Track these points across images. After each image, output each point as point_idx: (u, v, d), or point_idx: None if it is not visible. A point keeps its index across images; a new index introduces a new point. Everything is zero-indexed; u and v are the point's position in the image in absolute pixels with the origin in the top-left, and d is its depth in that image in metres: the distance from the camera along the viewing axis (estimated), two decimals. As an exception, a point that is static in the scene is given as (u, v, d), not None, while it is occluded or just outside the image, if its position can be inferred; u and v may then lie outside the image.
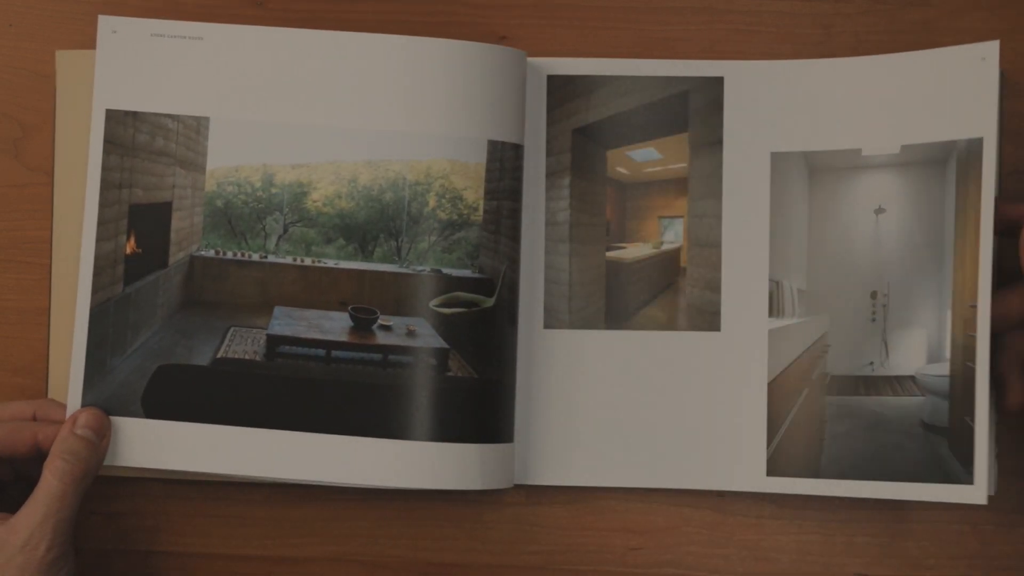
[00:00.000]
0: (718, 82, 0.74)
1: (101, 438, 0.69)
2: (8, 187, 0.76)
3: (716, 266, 0.74)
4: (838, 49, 0.74)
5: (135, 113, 0.72)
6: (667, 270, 0.75)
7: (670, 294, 0.75)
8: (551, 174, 0.75)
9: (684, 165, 0.75)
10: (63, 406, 0.70)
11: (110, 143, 0.72)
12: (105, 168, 0.71)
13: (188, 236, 0.73)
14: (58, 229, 0.74)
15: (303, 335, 0.72)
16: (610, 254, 0.75)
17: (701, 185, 0.75)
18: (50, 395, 0.74)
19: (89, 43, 0.72)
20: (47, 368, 0.74)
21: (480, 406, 0.71)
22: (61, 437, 0.68)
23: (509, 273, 0.73)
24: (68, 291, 0.73)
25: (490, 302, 0.72)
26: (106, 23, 0.72)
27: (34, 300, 0.75)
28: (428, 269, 0.72)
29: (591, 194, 0.76)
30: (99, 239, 0.71)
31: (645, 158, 0.76)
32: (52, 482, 0.66)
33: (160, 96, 0.72)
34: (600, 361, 0.74)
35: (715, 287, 0.74)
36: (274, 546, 0.75)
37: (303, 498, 0.74)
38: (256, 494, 0.75)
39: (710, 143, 0.75)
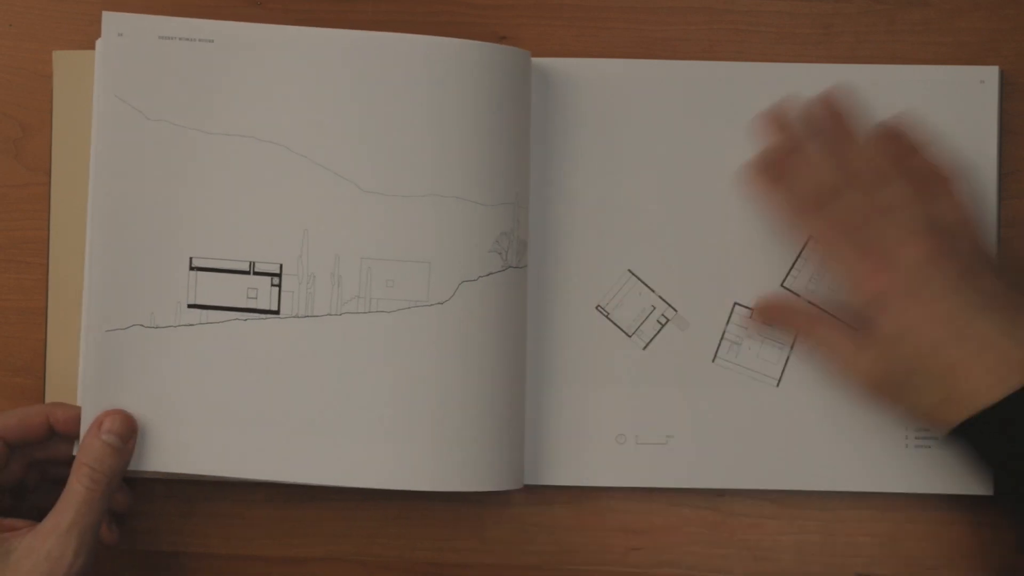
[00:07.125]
0: None
1: (126, 442, 0.68)
2: (8, 187, 0.76)
3: None
4: (838, 49, 0.74)
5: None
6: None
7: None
8: None
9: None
10: (71, 406, 0.70)
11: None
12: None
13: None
14: (55, 230, 0.74)
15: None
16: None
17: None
18: (48, 395, 0.74)
19: (89, 43, 0.72)
20: (45, 368, 0.74)
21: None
22: (87, 443, 0.67)
23: None
24: (66, 291, 0.73)
25: None
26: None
27: (34, 300, 0.75)
28: None
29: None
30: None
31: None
32: (78, 489, 0.66)
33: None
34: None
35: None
36: (274, 546, 0.75)
37: (303, 498, 0.74)
38: (256, 494, 0.75)
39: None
